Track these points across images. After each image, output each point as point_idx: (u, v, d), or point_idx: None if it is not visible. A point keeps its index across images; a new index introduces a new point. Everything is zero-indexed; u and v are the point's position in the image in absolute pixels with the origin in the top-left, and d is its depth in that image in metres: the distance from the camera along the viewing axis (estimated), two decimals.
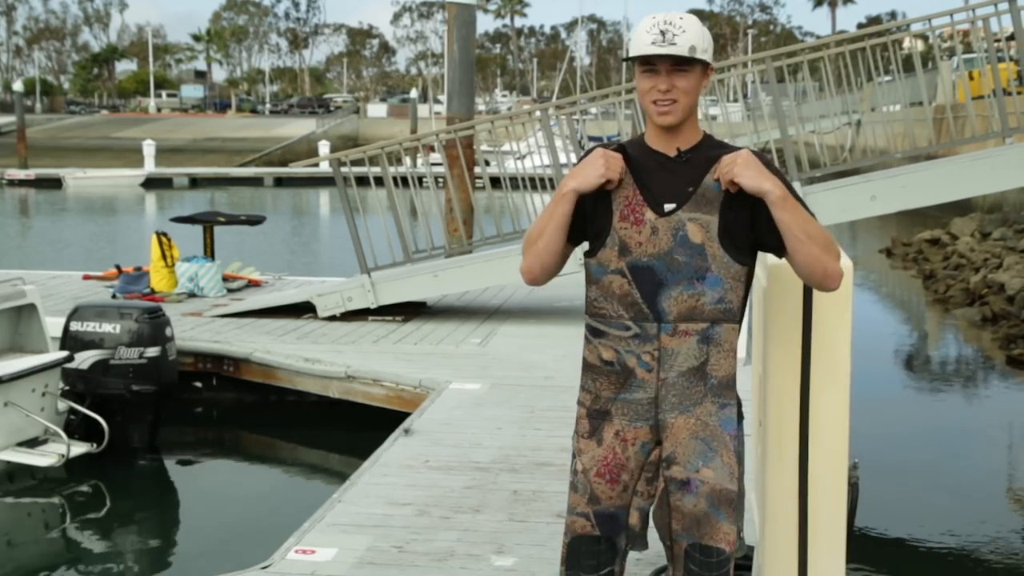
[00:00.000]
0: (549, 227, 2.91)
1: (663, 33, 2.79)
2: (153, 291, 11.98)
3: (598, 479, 2.94)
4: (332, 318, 10.73)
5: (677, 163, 2.88)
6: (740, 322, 2.90)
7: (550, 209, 2.92)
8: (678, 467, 2.89)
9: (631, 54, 2.85)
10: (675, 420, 2.89)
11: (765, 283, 3.44)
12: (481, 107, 68.34)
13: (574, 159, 11.10)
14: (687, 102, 2.85)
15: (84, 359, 8.15)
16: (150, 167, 44.90)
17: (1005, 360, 12.08)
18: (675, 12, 2.86)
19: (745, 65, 11.96)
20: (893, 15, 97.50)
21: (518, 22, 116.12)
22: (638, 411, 2.91)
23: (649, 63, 2.83)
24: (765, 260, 3.45)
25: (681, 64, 2.81)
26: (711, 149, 2.92)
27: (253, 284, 13.03)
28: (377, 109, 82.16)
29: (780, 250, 2.88)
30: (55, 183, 42.43)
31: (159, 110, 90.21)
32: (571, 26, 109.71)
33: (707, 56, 2.84)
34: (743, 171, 2.78)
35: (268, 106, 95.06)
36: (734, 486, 2.88)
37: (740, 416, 2.96)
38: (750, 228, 2.86)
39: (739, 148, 2.90)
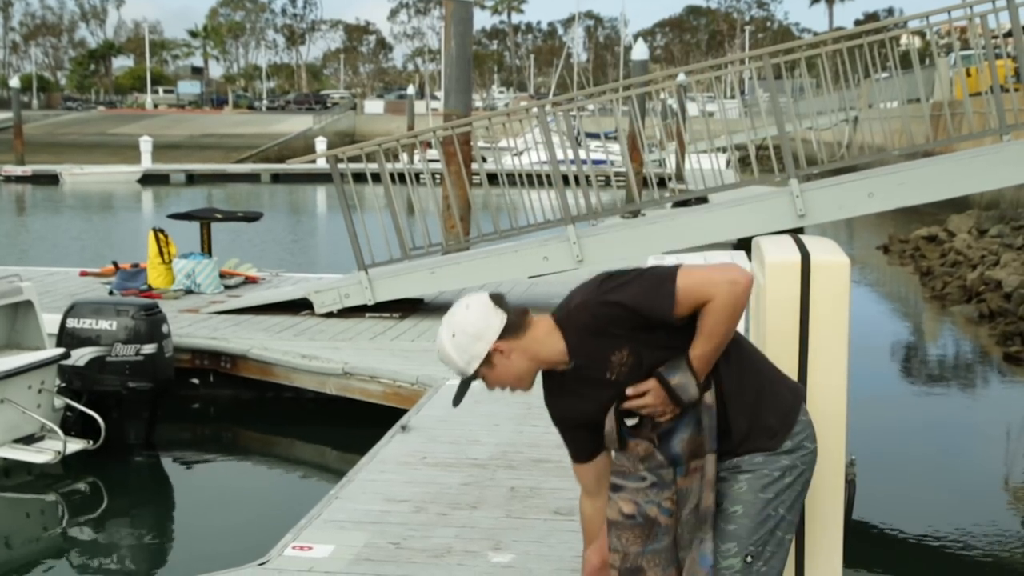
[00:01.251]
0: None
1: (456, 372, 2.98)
2: (150, 288, 11.97)
3: None
4: (329, 315, 10.72)
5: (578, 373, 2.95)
6: (749, 420, 2.98)
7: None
8: None
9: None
10: (685, 555, 2.95)
11: (763, 281, 3.44)
12: (478, 103, 68.33)
13: (571, 155, 11.11)
14: (507, 378, 2.98)
15: (80, 356, 8.13)
16: (147, 163, 44.81)
17: (1002, 357, 12.08)
18: (439, 343, 2.97)
19: (742, 62, 11.96)
20: (890, 12, 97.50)
21: (515, 18, 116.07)
22: (668, 557, 2.95)
23: None
24: (763, 258, 3.44)
25: (469, 383, 2.98)
26: (570, 332, 2.94)
27: (250, 281, 13.02)
28: (374, 105, 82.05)
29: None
30: (52, 179, 42.32)
31: (156, 106, 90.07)
32: (568, 22, 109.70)
33: (474, 364, 2.93)
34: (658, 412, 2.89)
35: (265, 102, 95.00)
36: None
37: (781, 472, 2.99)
38: (665, 347, 2.88)
39: (568, 299, 2.98)
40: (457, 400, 3.00)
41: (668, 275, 2.83)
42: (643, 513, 2.90)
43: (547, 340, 2.93)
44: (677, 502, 2.90)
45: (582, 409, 2.99)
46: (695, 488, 2.90)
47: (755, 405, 2.93)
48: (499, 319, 2.90)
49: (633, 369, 2.87)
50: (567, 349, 2.91)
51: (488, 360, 2.91)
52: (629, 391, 2.89)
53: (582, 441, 3.06)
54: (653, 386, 2.86)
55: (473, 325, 2.90)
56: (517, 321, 2.92)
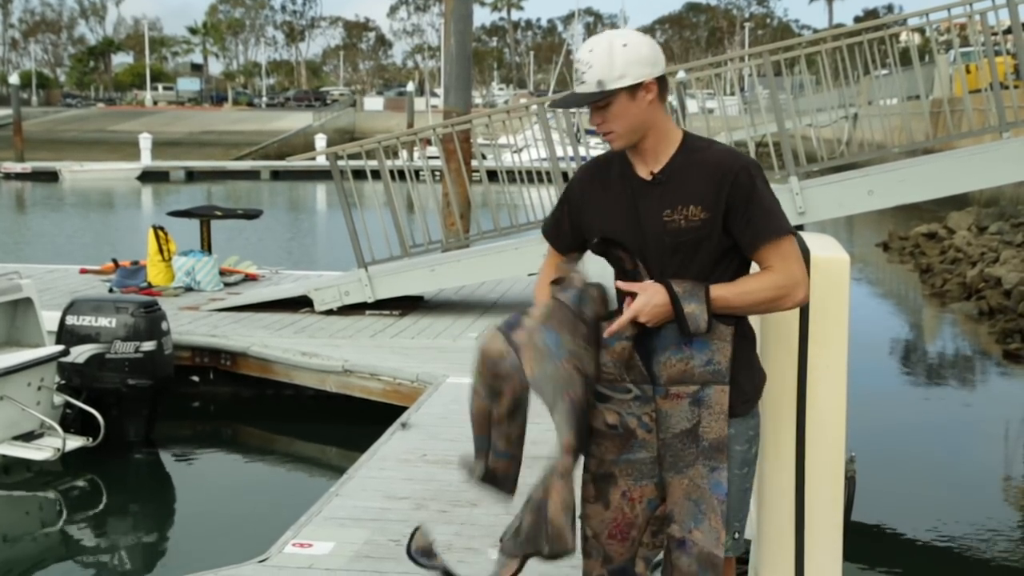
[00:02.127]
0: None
1: (577, 72, 2.83)
2: (150, 285, 11.97)
3: (610, 540, 2.99)
4: (329, 312, 10.72)
5: (654, 185, 2.88)
6: (729, 382, 2.91)
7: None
8: (676, 526, 2.93)
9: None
10: (672, 479, 2.93)
11: None
12: (478, 101, 68.30)
13: (571, 152, 11.11)
14: (624, 128, 2.83)
15: (80, 353, 8.14)
16: (146, 160, 44.81)
17: (1002, 354, 12.09)
18: (590, 42, 2.84)
19: (742, 59, 11.98)
20: (890, 8, 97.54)
21: (515, 15, 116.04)
22: (642, 470, 2.95)
23: None
24: None
25: (598, 100, 2.81)
26: (692, 153, 2.89)
27: (250, 278, 13.02)
28: (374, 102, 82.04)
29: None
30: (52, 176, 42.32)
31: (155, 103, 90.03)
32: (567, 19, 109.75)
33: (624, 81, 2.79)
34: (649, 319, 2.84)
35: (265, 99, 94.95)
36: (719, 551, 2.89)
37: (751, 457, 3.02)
38: (707, 261, 2.86)
39: (717, 152, 2.90)
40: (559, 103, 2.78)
41: (787, 228, 2.87)
42: (624, 424, 2.93)
43: (670, 134, 2.90)
44: (657, 421, 2.91)
45: (607, 213, 2.91)
46: (679, 412, 2.89)
47: (744, 369, 2.94)
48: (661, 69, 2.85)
49: (681, 236, 2.83)
50: (668, 162, 2.87)
51: (632, 91, 2.80)
52: (625, 286, 2.87)
53: (564, 235, 3.05)
54: (659, 297, 2.81)
55: (650, 49, 2.81)
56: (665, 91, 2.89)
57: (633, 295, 2.85)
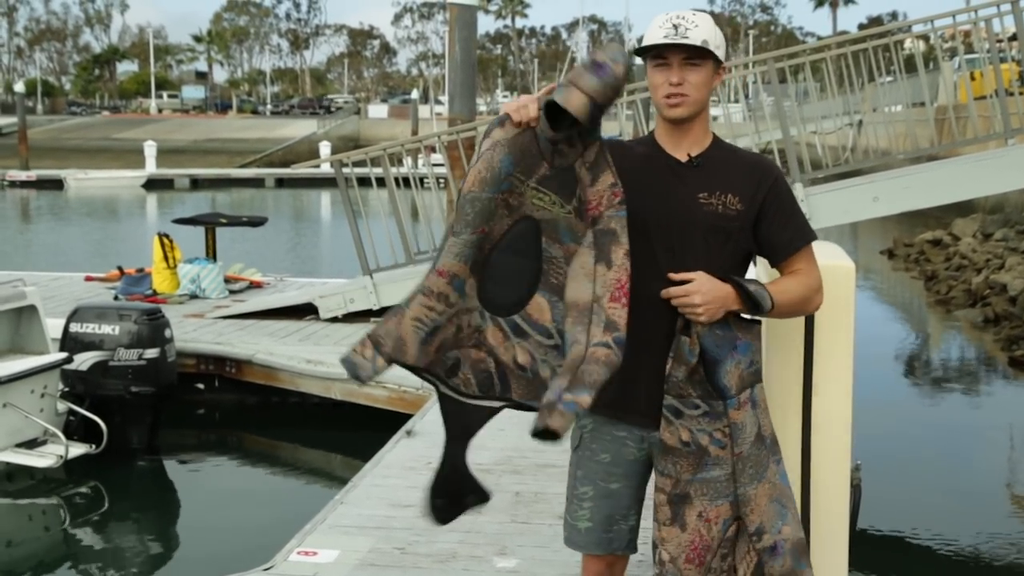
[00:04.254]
0: None
1: (676, 27, 2.77)
2: (155, 292, 11.98)
3: (687, 565, 2.88)
4: (334, 319, 10.72)
5: (688, 168, 2.85)
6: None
7: None
8: (767, 535, 2.87)
9: (644, 44, 2.82)
10: (755, 491, 2.87)
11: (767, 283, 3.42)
12: (482, 108, 68.35)
13: None
14: (698, 97, 2.81)
15: (83, 360, 8.14)
16: (151, 168, 44.92)
17: (1007, 361, 12.06)
18: (689, 10, 2.84)
19: (747, 66, 11.96)
20: (894, 16, 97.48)
21: (519, 23, 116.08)
22: (718, 489, 2.87)
23: (661, 57, 2.80)
24: (765, 260, 3.43)
25: (692, 58, 2.78)
26: (726, 150, 2.91)
27: (255, 285, 13.03)
28: (378, 110, 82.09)
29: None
30: (56, 184, 42.43)
31: (160, 111, 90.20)
32: (572, 27, 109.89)
33: (719, 53, 2.81)
34: (704, 314, 2.77)
35: (269, 107, 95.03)
36: (802, 532, 2.93)
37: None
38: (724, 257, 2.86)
39: (750, 153, 2.90)
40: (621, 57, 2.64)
41: (814, 234, 2.92)
42: (695, 441, 2.85)
43: (709, 126, 2.93)
44: (731, 435, 2.84)
45: (633, 185, 2.78)
46: (749, 419, 2.85)
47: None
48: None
49: (715, 221, 2.80)
50: (705, 150, 2.88)
51: (718, 66, 2.84)
52: (678, 276, 2.78)
53: None
54: (714, 282, 2.77)
55: (723, 39, 2.88)
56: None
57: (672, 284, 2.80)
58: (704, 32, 2.78)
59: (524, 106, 2.71)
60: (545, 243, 2.73)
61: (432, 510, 2.90)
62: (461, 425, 2.92)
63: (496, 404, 2.81)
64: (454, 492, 2.89)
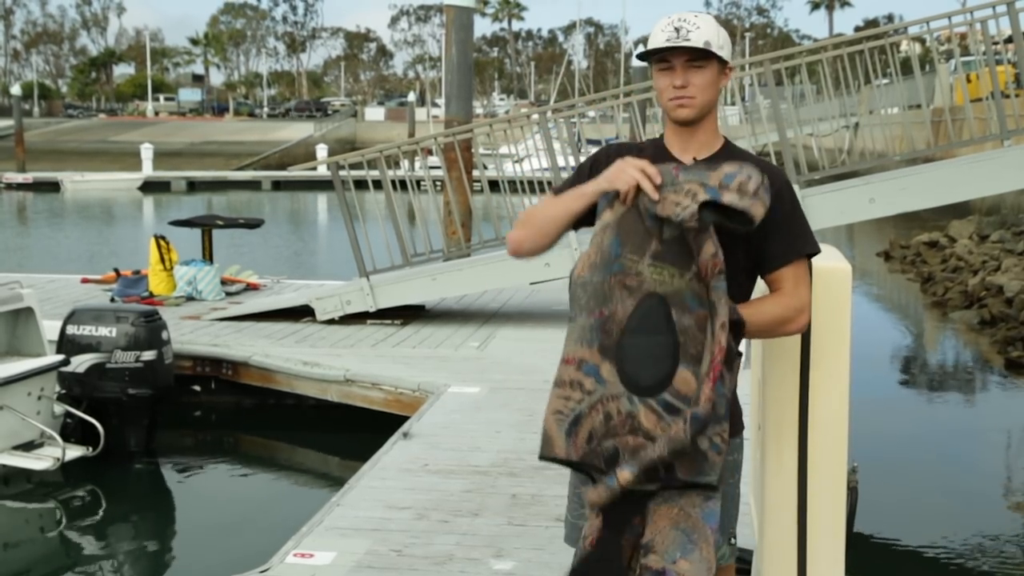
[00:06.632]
0: (559, 215, 2.84)
1: (677, 30, 2.78)
2: (152, 295, 11.97)
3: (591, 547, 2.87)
4: (331, 321, 10.72)
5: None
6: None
7: (567, 202, 2.83)
8: (655, 556, 2.73)
9: (648, 48, 2.83)
10: (658, 508, 2.75)
11: (764, 287, 3.43)
12: (479, 110, 68.37)
13: (572, 162, 11.10)
14: (703, 98, 2.82)
15: (80, 363, 8.13)
16: (148, 171, 44.91)
17: (1004, 363, 12.06)
18: (691, 12, 2.84)
19: (743, 68, 11.96)
20: (891, 18, 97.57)
21: (515, 25, 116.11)
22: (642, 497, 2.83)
23: (665, 60, 2.81)
24: None
25: (696, 60, 2.79)
26: (735, 155, 2.88)
27: (251, 287, 13.03)
28: (375, 112, 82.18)
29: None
30: (53, 187, 42.41)
31: (157, 114, 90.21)
32: (568, 29, 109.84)
33: (723, 53, 2.82)
34: None
35: (266, 110, 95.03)
36: None
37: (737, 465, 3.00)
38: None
39: (760, 160, 2.90)
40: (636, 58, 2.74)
41: (816, 247, 2.91)
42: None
43: (718, 128, 2.94)
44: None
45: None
46: None
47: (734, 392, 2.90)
48: None
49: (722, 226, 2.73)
50: (714, 154, 2.88)
51: (723, 66, 2.84)
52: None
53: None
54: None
55: (727, 38, 2.87)
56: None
57: None
58: (706, 34, 2.78)
59: (625, 176, 2.67)
60: (675, 315, 2.69)
61: None
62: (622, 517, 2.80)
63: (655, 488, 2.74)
64: None
